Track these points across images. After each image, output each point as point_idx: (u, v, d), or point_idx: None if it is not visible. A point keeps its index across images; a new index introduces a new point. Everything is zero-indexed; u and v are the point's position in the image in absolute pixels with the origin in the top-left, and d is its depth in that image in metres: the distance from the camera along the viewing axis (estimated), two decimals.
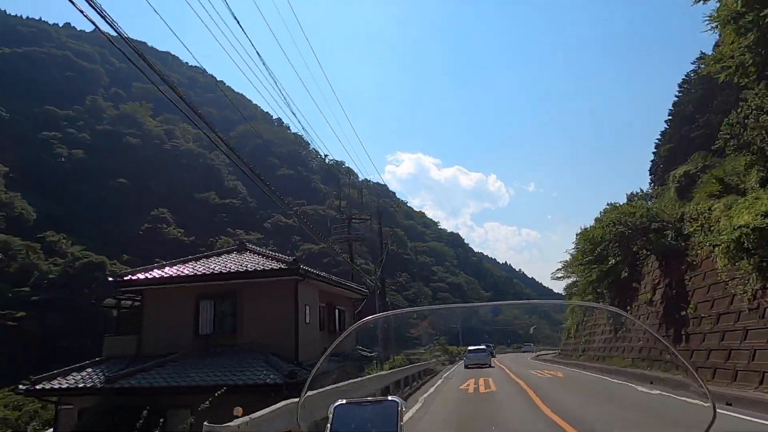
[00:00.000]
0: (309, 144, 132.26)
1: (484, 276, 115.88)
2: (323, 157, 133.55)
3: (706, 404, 1.29)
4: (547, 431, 8.57)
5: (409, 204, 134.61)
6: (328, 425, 1.49)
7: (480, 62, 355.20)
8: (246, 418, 5.84)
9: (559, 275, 33.45)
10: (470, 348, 32.44)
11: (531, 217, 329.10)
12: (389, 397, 1.59)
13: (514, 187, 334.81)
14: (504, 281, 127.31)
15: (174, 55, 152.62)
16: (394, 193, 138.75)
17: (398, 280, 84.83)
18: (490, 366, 28.98)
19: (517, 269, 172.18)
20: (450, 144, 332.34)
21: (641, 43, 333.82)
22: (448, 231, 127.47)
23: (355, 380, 12.40)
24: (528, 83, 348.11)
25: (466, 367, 29.71)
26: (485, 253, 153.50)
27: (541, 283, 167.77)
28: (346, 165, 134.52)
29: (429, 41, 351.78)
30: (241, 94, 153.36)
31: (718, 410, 1.33)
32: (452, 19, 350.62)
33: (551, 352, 63.43)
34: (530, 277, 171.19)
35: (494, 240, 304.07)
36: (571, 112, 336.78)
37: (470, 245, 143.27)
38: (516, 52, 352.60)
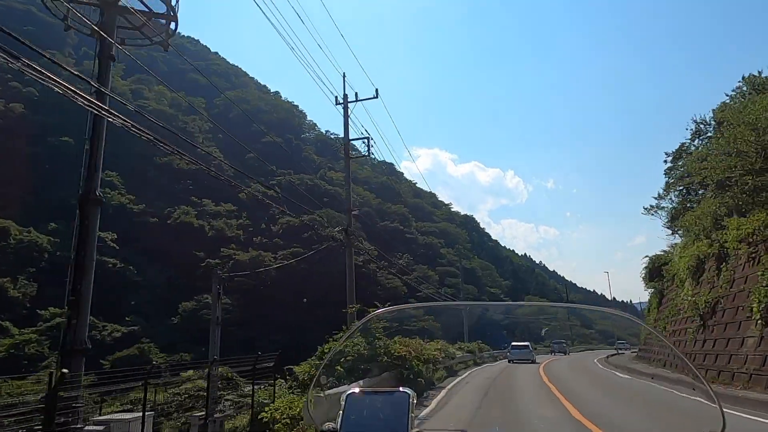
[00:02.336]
0: (306, 115, 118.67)
1: (501, 263, 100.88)
2: (324, 132, 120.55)
3: (717, 417, 1.32)
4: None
5: (418, 185, 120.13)
6: (340, 412, 1.52)
7: (498, 55, 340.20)
8: None
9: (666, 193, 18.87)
10: (513, 344, 33.56)
11: (550, 215, 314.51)
12: (400, 388, 1.60)
13: (532, 183, 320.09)
14: (525, 270, 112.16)
15: (163, 23, 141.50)
16: (402, 174, 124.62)
17: (398, 261, 70.48)
18: (534, 362, 29.02)
19: (537, 261, 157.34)
20: (467, 139, 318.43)
21: (668, 37, 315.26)
22: (462, 213, 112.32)
23: None
24: (546, 77, 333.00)
25: (509, 361, 30.78)
26: (503, 244, 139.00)
27: (563, 276, 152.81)
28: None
29: (446, 35, 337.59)
30: (237, 66, 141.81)
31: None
32: (469, 12, 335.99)
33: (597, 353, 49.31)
34: (552, 270, 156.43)
35: (511, 237, 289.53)
36: (592, 107, 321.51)
37: (486, 230, 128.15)
38: (536, 44, 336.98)
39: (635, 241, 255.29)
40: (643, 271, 24.50)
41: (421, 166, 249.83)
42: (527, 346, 31.74)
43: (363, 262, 61.79)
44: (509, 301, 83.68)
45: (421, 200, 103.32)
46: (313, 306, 52.84)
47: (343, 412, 1.54)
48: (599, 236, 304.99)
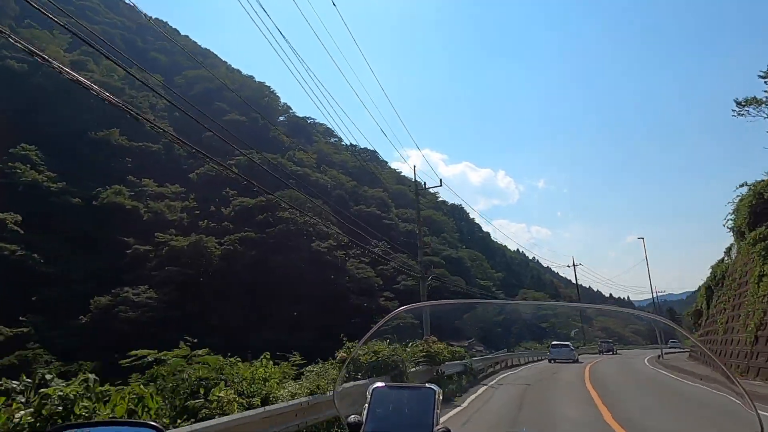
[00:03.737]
0: (279, 98, 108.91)
1: (493, 254, 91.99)
2: (303, 117, 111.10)
3: (754, 421, 1.32)
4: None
5: (403, 174, 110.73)
6: (366, 405, 1.53)
7: (486, 57, 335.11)
8: None
9: None
10: (554, 343, 32.80)
11: (541, 214, 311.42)
12: (426, 384, 1.58)
13: (523, 183, 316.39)
14: (518, 263, 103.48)
15: (127, 3, 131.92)
16: (386, 162, 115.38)
17: (373, 249, 61.06)
18: (576, 361, 28.08)
19: (530, 257, 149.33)
20: (458, 139, 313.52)
21: (647, 33, 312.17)
22: (450, 203, 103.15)
23: None
24: (536, 77, 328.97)
25: (550, 361, 30.09)
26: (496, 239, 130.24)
27: (557, 273, 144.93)
28: (326, 126, 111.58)
29: (434, 37, 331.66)
30: (207, 49, 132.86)
31: None
32: (459, 12, 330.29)
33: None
34: (545, 266, 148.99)
35: (503, 238, 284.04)
36: (582, 107, 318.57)
37: (477, 221, 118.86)
38: (524, 45, 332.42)
39: (627, 240, 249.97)
40: (731, 217, 15.20)
41: (411, 167, 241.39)
42: (568, 345, 31.41)
43: (328, 249, 52.51)
44: (503, 295, 74.74)
45: (404, 187, 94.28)
46: (263, 301, 43.47)
47: (368, 405, 1.49)
48: (591, 236, 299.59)
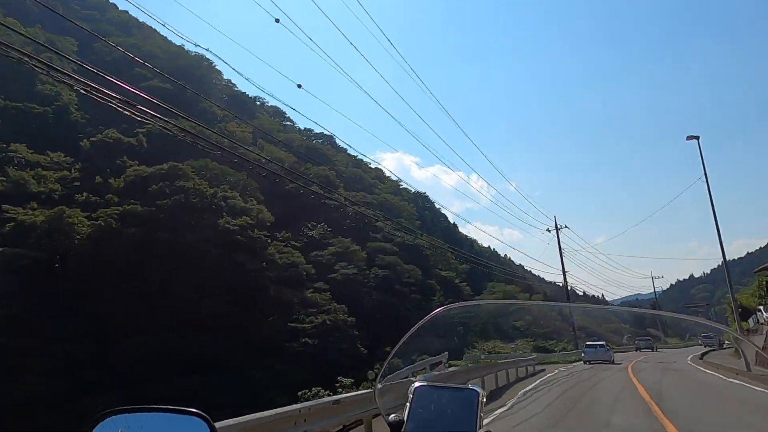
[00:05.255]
0: (222, 73, 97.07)
1: (460, 246, 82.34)
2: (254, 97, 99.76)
3: None
4: None
5: (367, 161, 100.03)
6: (407, 404, 1.48)
7: (458, 61, 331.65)
8: None
9: None
10: (588, 343, 31.10)
11: (513, 217, 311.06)
12: (470, 386, 1.53)
13: (496, 186, 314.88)
14: (488, 256, 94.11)
15: None
16: (346, 149, 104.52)
17: (309, 232, 50.40)
18: (613, 362, 26.95)
19: (502, 255, 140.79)
20: (431, 141, 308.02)
21: (614, 40, 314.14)
22: (413, 190, 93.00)
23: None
24: (508, 82, 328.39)
25: (585, 362, 29.47)
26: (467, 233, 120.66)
27: (530, 270, 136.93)
28: (278, 107, 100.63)
29: (409, 36, 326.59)
30: (144, 23, 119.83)
31: None
32: (431, 15, 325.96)
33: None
34: (518, 264, 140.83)
35: (477, 240, 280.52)
36: (554, 110, 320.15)
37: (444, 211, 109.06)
38: (496, 49, 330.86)
39: (596, 241, 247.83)
40: None
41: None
42: (603, 345, 29.98)
43: (241, 227, 41.47)
44: (468, 288, 65.05)
45: (360, 170, 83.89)
46: (151, 294, 32.40)
47: (410, 404, 1.45)
48: (561, 237, 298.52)
